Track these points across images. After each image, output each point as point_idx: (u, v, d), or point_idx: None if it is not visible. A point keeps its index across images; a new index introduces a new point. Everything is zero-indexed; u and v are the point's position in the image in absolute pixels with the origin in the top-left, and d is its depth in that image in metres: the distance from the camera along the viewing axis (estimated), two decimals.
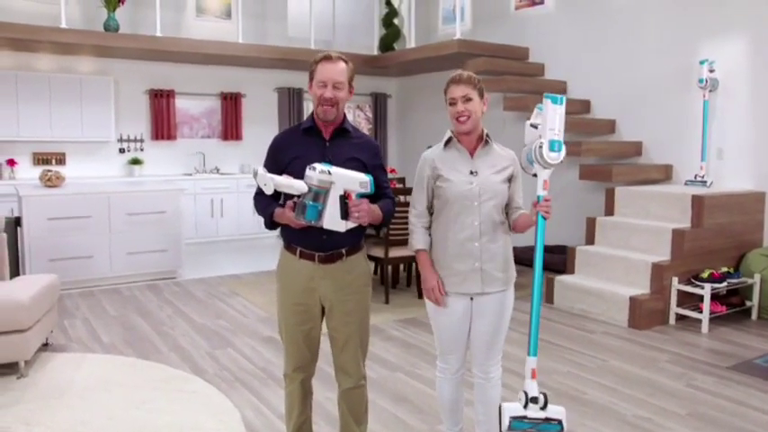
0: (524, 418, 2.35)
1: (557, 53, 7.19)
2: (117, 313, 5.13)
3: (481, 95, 2.42)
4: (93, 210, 5.93)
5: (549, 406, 2.36)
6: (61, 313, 5.02)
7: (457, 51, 7.08)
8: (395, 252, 5.47)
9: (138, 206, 6.13)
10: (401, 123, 10.23)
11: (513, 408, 2.36)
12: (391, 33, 9.13)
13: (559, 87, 7.06)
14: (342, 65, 2.38)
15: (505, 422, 2.34)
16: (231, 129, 8.84)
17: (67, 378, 3.66)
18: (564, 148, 2.29)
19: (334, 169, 2.23)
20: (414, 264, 5.79)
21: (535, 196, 2.34)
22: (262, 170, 2.25)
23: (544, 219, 2.33)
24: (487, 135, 2.48)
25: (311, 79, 2.41)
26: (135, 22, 7.86)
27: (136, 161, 8.16)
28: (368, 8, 9.21)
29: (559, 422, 2.34)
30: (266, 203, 2.43)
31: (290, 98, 9.14)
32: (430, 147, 8.24)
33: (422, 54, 7.74)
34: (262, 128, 9.05)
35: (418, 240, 2.53)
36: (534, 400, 2.35)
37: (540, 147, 2.28)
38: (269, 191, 2.24)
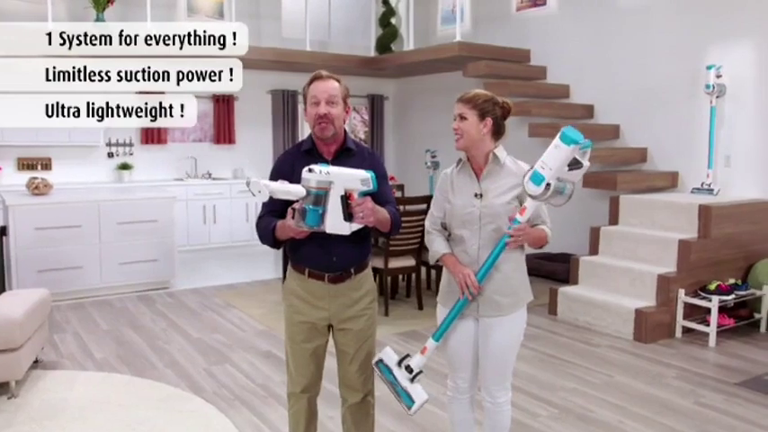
0: (390, 370, 2.47)
1: (559, 56, 7.24)
2: (109, 327, 5.16)
3: (482, 116, 2.45)
4: (82, 219, 5.95)
5: (417, 386, 2.47)
6: (51, 327, 5.03)
7: (457, 54, 7.12)
8: (394, 263, 5.51)
9: (130, 215, 6.15)
10: (399, 126, 10.27)
11: (390, 355, 2.49)
12: (388, 33, 9.16)
13: (562, 91, 7.12)
14: (334, 83, 2.41)
15: (377, 358, 2.50)
16: (224, 132, 8.85)
17: (61, 398, 3.68)
18: (544, 185, 2.24)
19: (333, 168, 2.21)
20: (413, 274, 5.84)
21: (513, 218, 2.38)
22: (255, 178, 2.19)
23: (508, 238, 2.36)
24: (495, 154, 2.51)
25: (305, 101, 2.45)
26: (124, 22, 7.87)
27: (125, 166, 8.16)
28: (364, 8, 9.24)
29: (411, 404, 2.45)
30: (267, 222, 2.44)
31: (285, 100, 9.16)
32: (428, 151, 8.21)
33: (421, 57, 7.78)
34: (255, 131, 9.08)
35: (439, 245, 2.56)
36: (409, 368, 2.46)
37: (528, 171, 2.31)
38: (263, 198, 2.19)
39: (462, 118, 2.45)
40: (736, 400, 3.79)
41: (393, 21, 9.26)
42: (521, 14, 7.70)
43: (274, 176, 2.42)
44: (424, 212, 5.53)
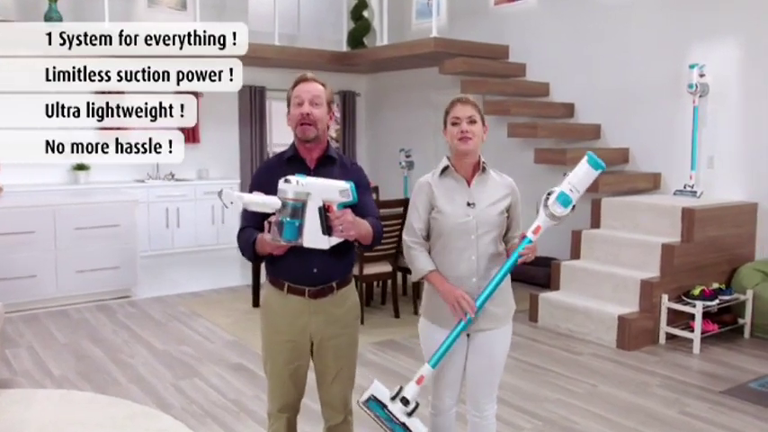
0: (384, 406, 2.43)
1: (539, 53, 7.33)
2: (67, 340, 5.08)
3: (483, 121, 2.51)
4: (36, 224, 5.85)
5: (415, 420, 2.44)
6: (3, 342, 4.93)
7: (433, 50, 7.17)
8: (370, 269, 5.52)
9: (88, 219, 6.06)
10: (371, 124, 10.29)
11: (382, 391, 2.44)
12: (361, 27, 9.19)
13: (541, 89, 7.22)
14: (319, 85, 2.46)
15: (366, 395, 2.45)
16: (187, 130, 8.73)
17: (17, 419, 3.62)
18: (571, 207, 2.39)
19: (310, 179, 2.22)
20: (389, 281, 5.86)
21: (524, 236, 2.44)
22: (227, 189, 2.16)
23: (518, 257, 2.43)
24: (484, 162, 2.56)
25: (289, 106, 2.47)
26: (79, 13, 7.73)
27: (81, 167, 8.02)
28: (335, 0, 9.25)
29: None
30: (247, 236, 2.43)
31: (252, 97, 9.11)
32: (402, 150, 8.23)
33: (395, 52, 7.81)
34: (221, 129, 9.01)
35: (424, 263, 2.54)
36: (405, 401, 2.44)
37: (549, 194, 2.38)
38: (236, 210, 2.17)
39: (473, 121, 2.48)
40: (721, 408, 3.89)
41: (365, 14, 9.28)
42: (499, 9, 7.78)
43: (255, 187, 2.43)
44: (401, 216, 5.56)
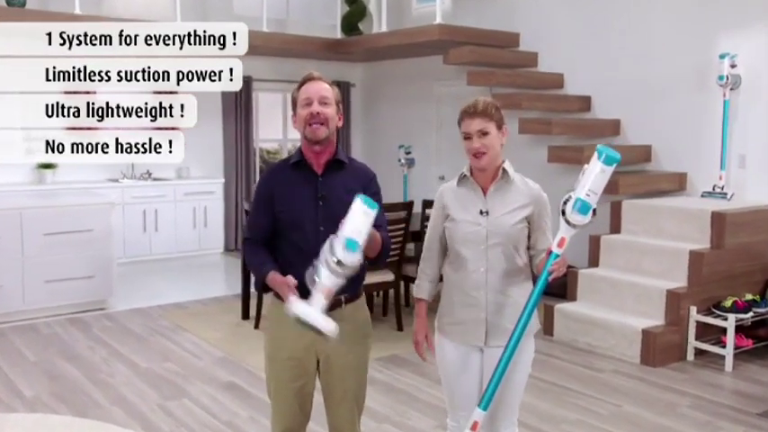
0: None
1: (552, 41, 7.35)
2: (37, 358, 5.08)
3: (499, 126, 2.53)
4: (0, 229, 5.83)
5: None
6: None
7: (438, 38, 7.19)
8: (370, 278, 5.50)
9: (59, 224, 6.06)
10: (367, 117, 10.31)
11: None
12: (356, 11, 9.18)
13: (555, 81, 7.25)
14: (326, 84, 2.55)
15: None
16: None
17: None
18: (591, 213, 2.34)
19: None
20: (392, 291, 5.89)
21: (550, 251, 2.45)
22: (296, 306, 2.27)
23: (549, 276, 2.44)
24: (505, 169, 2.58)
25: (294, 107, 2.54)
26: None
27: (48, 165, 7.99)
28: None
29: None
30: (261, 260, 2.54)
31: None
32: (402, 146, 8.21)
33: (396, 40, 7.82)
34: (203, 124, 8.74)
35: (421, 289, 2.72)
36: None
37: (566, 202, 2.36)
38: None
39: (484, 134, 2.50)
40: None
41: None
42: None
43: (261, 195, 2.59)
44: (404, 220, 5.59)
